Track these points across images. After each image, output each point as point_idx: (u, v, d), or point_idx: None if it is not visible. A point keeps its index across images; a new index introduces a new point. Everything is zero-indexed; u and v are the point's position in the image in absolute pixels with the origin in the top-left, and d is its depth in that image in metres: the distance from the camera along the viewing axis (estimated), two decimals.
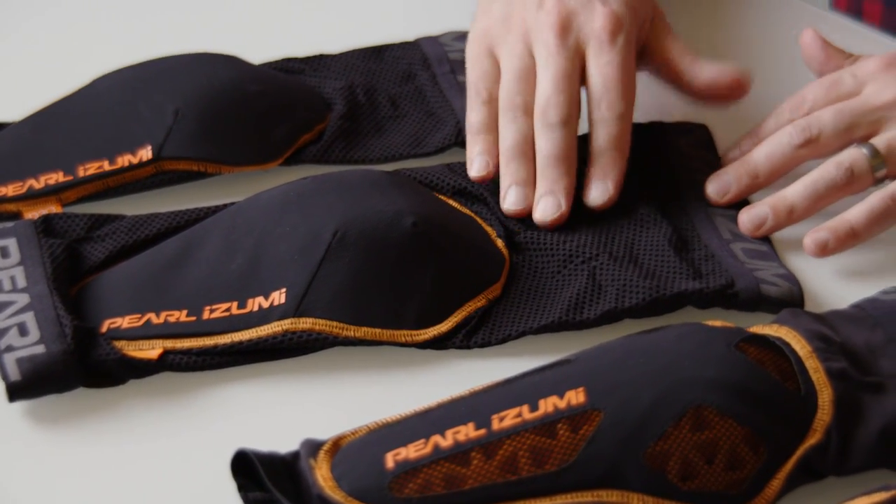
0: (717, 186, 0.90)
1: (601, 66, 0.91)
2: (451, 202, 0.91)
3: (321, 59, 1.04)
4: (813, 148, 0.89)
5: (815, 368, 0.73)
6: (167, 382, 0.80)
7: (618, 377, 0.72)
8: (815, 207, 0.88)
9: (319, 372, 0.81)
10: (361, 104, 0.99)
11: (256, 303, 0.82)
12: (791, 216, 0.88)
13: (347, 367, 0.82)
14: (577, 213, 0.89)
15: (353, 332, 0.81)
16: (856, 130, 0.89)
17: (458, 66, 1.02)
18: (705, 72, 0.94)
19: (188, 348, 0.80)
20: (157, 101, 0.93)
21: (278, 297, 0.81)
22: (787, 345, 0.75)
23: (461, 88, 1.00)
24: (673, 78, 0.96)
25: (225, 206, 0.89)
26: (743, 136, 0.94)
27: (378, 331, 0.81)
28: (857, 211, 0.86)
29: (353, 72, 1.03)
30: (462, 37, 1.05)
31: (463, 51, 1.02)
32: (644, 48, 0.97)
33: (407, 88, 1.02)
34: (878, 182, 0.88)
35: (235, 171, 0.93)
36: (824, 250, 0.86)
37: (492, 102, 0.92)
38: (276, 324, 0.81)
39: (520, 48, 0.93)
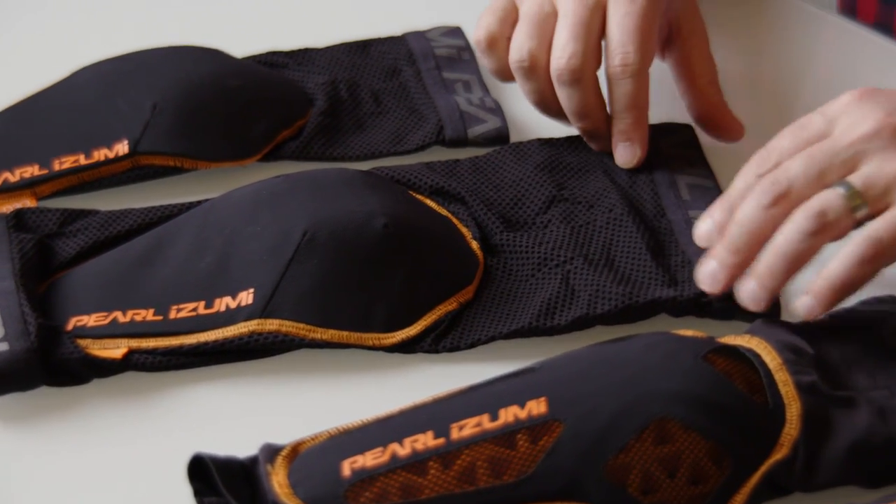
0: (708, 280, 0.81)
1: (619, 18, 0.88)
2: (429, 202, 0.89)
3: (306, 52, 1.03)
4: (786, 203, 0.78)
5: (784, 381, 0.72)
6: (132, 382, 0.79)
7: (581, 388, 0.70)
8: (792, 271, 0.78)
9: (286, 374, 0.80)
10: (343, 100, 0.98)
11: (224, 303, 0.81)
12: (767, 291, 0.78)
13: (314, 370, 0.81)
14: (556, 214, 0.88)
15: (320, 334, 0.80)
16: (830, 174, 0.78)
17: (444, 62, 1.01)
18: (712, 105, 0.93)
19: (153, 348, 0.80)
20: (135, 95, 0.92)
21: (246, 297, 0.80)
22: (758, 356, 0.73)
23: (446, 85, 0.98)
24: (683, 82, 0.95)
25: (200, 202, 0.88)
26: (713, 205, 0.84)
27: (346, 333, 0.80)
28: (837, 264, 0.76)
29: (337, 66, 1.01)
30: (450, 32, 1.04)
31: (450, 46, 1.01)
32: (671, 36, 0.95)
33: (391, 84, 1.00)
34: (860, 224, 0.77)
35: (212, 166, 0.92)
36: (816, 314, 0.77)
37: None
38: (242, 324, 0.80)
39: None
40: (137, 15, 1.12)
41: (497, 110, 0.96)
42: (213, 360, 0.80)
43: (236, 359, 0.80)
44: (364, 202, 0.83)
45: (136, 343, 0.80)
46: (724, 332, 0.78)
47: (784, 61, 1.08)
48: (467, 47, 1.03)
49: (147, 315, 0.81)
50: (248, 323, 0.80)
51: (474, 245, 0.86)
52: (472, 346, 0.81)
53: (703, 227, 0.84)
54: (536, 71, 0.90)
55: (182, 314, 0.81)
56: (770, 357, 0.73)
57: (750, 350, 0.74)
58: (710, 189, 0.90)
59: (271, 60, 1.02)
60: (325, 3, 1.13)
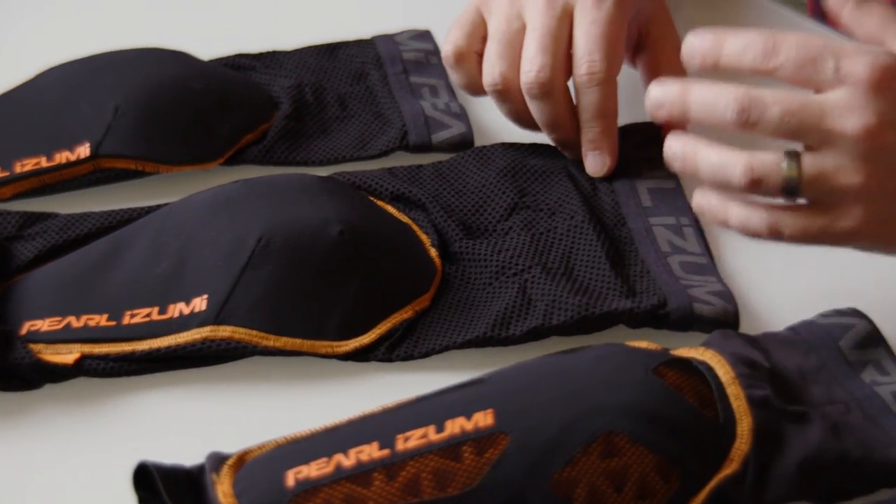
0: (655, 100, 0.78)
1: (586, 26, 0.88)
2: (389, 208, 0.89)
3: (273, 55, 1.02)
4: (746, 129, 0.74)
5: (736, 395, 0.71)
6: (84, 388, 0.79)
7: (528, 400, 0.70)
8: (713, 185, 0.76)
9: (238, 381, 0.80)
10: (309, 104, 0.97)
11: (178, 309, 0.80)
12: (690, 168, 0.77)
13: (267, 378, 0.80)
14: (517, 221, 0.87)
15: (272, 341, 0.79)
16: (796, 138, 0.73)
17: (412, 67, 1.00)
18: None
19: (105, 353, 0.79)
20: (98, 97, 0.91)
21: (200, 303, 0.80)
22: (711, 369, 0.73)
23: (412, 90, 0.98)
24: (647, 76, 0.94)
25: (160, 206, 0.88)
26: (707, 35, 0.76)
27: (298, 341, 0.79)
28: (737, 215, 0.76)
29: (304, 70, 1.01)
30: (419, 36, 1.04)
31: (418, 50, 1.00)
32: (640, 42, 0.94)
33: (358, 88, 0.99)
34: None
35: (174, 170, 0.92)
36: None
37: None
38: (195, 331, 0.79)
39: (508, 10, 0.90)
40: (109, 16, 1.12)
41: (462, 115, 0.95)
42: (165, 366, 0.79)
43: (189, 365, 0.80)
44: (320, 209, 0.82)
45: (88, 348, 0.79)
46: (683, 343, 0.77)
47: None
48: (436, 51, 1.02)
49: (101, 320, 0.80)
50: (202, 329, 0.79)
51: (433, 252, 0.85)
52: (426, 355, 0.80)
53: (689, 50, 0.77)
54: (510, 92, 0.90)
55: (136, 320, 0.80)
56: (723, 370, 0.72)
57: (703, 363, 0.73)
58: (672, 190, 0.89)
59: (238, 63, 1.01)
60: (298, 5, 1.13)
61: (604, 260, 0.84)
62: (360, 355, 0.80)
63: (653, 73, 0.93)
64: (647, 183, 0.90)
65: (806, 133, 0.73)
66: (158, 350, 0.79)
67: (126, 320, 0.80)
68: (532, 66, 0.88)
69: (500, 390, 0.71)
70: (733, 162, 0.74)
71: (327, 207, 0.82)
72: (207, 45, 1.02)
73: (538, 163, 0.92)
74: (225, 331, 0.79)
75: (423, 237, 0.87)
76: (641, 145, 0.93)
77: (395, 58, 1.01)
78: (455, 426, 0.69)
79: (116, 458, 0.72)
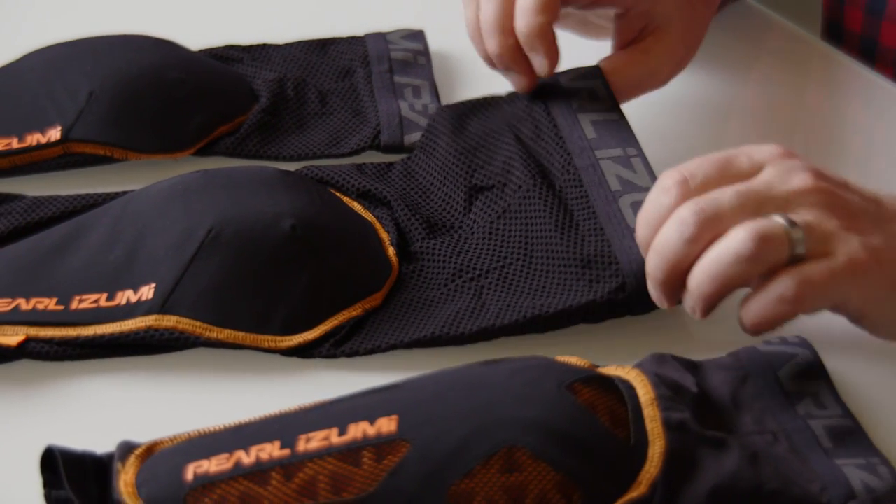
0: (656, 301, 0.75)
1: None
2: (355, 205, 0.88)
3: (263, 48, 1.02)
4: (712, 235, 0.70)
5: (652, 417, 0.69)
6: (29, 370, 0.78)
7: (434, 409, 0.68)
8: (723, 293, 0.71)
9: (180, 371, 0.79)
10: (288, 98, 0.97)
11: (125, 296, 0.80)
12: (701, 308, 0.72)
13: (210, 369, 0.79)
14: (477, 212, 0.86)
15: (216, 333, 0.78)
16: (762, 210, 0.71)
17: (398, 66, 0.99)
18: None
19: (50, 337, 0.79)
20: (74, 81, 0.91)
21: (147, 291, 0.79)
22: (632, 389, 0.71)
23: (394, 89, 0.97)
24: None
25: (126, 192, 0.87)
26: (636, 220, 0.76)
27: (241, 334, 0.79)
28: (757, 298, 0.70)
29: (290, 64, 1.00)
30: (412, 35, 1.03)
31: (408, 50, 1.00)
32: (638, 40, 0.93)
33: (342, 85, 0.99)
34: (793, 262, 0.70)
35: (143, 158, 0.91)
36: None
37: None
38: (139, 319, 0.78)
39: None
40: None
41: None
42: (109, 352, 0.79)
43: (133, 353, 0.79)
44: (276, 202, 0.82)
45: (34, 331, 0.79)
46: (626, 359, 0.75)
47: (768, 82, 1.05)
48: (425, 52, 1.01)
49: (49, 304, 0.80)
50: (146, 318, 0.78)
51: (390, 251, 0.84)
52: (371, 352, 0.79)
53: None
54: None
55: (83, 305, 0.80)
56: (644, 391, 0.70)
57: (625, 382, 0.71)
58: (616, 122, 0.87)
59: (227, 54, 1.01)
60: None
61: (556, 238, 0.81)
62: (304, 351, 0.79)
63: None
64: (589, 115, 0.87)
65: (768, 202, 0.72)
66: (102, 336, 0.79)
67: (74, 305, 0.80)
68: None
69: (407, 397, 0.69)
70: (734, 238, 0.70)
71: (283, 201, 0.82)
72: (215, 35, 1.02)
73: (478, 128, 0.90)
74: (169, 320, 0.78)
75: (384, 235, 0.86)
76: (580, 78, 0.90)
77: (382, 56, 1.00)
78: (358, 430, 0.67)
79: (52, 441, 0.72)
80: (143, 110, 0.91)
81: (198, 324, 0.78)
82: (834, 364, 0.76)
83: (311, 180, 0.88)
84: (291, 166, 0.90)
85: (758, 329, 0.70)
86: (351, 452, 0.67)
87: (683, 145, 0.97)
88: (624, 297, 0.78)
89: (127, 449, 0.70)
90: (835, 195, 0.73)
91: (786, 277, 0.69)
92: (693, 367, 0.75)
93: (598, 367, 0.74)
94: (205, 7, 1.13)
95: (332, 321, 0.80)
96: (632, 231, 0.79)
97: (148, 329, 0.78)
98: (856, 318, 0.73)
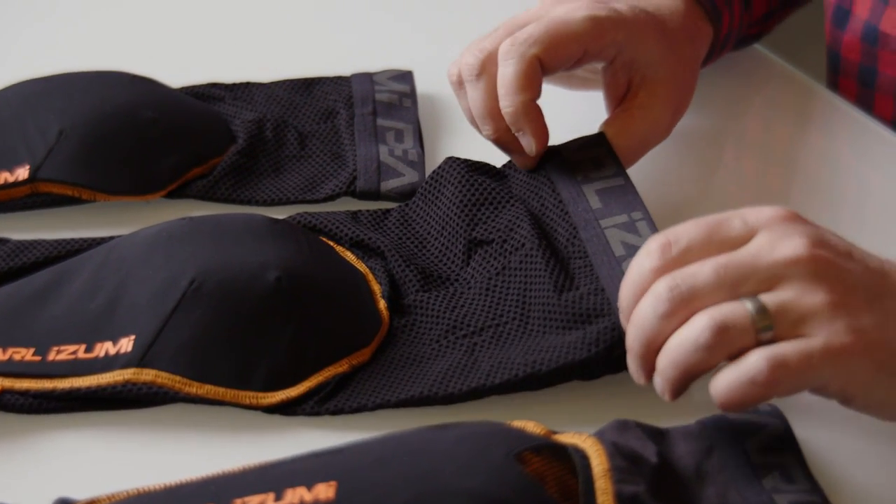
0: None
1: (540, 19, 0.86)
2: (348, 254, 0.85)
3: (246, 87, 1.00)
4: (686, 312, 0.68)
5: (604, 490, 0.66)
6: (2, 423, 0.76)
7: (375, 476, 0.65)
8: (687, 379, 0.68)
9: (158, 428, 0.76)
10: (266, 140, 0.94)
11: (104, 348, 0.77)
12: (670, 391, 0.69)
13: (188, 426, 0.76)
14: (475, 266, 0.83)
15: (195, 388, 0.75)
16: (742, 290, 0.68)
17: (382, 108, 0.97)
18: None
19: (26, 389, 0.76)
20: (45, 119, 0.90)
21: (126, 344, 0.77)
22: (586, 459, 0.68)
23: (376, 132, 0.94)
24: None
25: (112, 237, 0.85)
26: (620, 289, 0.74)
27: (222, 390, 0.76)
28: (725, 379, 0.66)
29: (273, 104, 0.98)
30: (400, 76, 1.00)
31: (393, 91, 0.97)
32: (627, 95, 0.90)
33: (323, 127, 0.96)
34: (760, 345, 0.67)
35: (112, 199, 0.89)
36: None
37: None
38: (117, 372, 0.76)
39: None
40: (101, 36, 1.11)
41: (418, 164, 0.92)
42: (86, 406, 0.76)
43: (110, 407, 0.76)
44: (261, 252, 0.79)
45: (10, 383, 0.76)
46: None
47: (771, 127, 1.03)
48: (411, 94, 0.99)
49: (26, 354, 0.78)
50: (124, 371, 0.76)
51: (381, 304, 0.81)
52: (356, 410, 0.76)
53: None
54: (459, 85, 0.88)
55: (61, 357, 0.77)
56: (598, 461, 0.67)
57: (579, 451, 0.68)
58: (622, 187, 0.84)
59: (208, 93, 0.99)
60: (304, 36, 1.11)
61: (554, 299, 0.78)
62: (287, 408, 0.76)
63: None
64: (594, 185, 0.84)
65: (748, 278, 0.68)
66: (79, 389, 0.76)
67: (51, 356, 0.77)
68: (469, 51, 0.86)
69: (348, 462, 0.67)
70: (694, 325, 0.67)
71: (269, 251, 0.79)
72: (200, 71, 1.00)
73: (486, 185, 0.87)
74: (148, 374, 0.76)
75: (376, 287, 0.83)
76: (584, 147, 0.87)
77: (367, 98, 0.98)
78: (295, 496, 0.65)
79: (24, 497, 0.71)
80: (114, 150, 0.89)
81: (177, 378, 0.76)
82: (807, 434, 0.72)
83: (301, 228, 0.85)
84: (275, 212, 0.87)
85: (729, 408, 0.67)
86: None
87: (681, 192, 0.95)
88: (621, 352, 0.75)
89: None
90: (830, 265, 0.68)
91: (756, 357, 0.66)
92: (658, 434, 0.71)
93: (555, 433, 0.71)
94: (191, 43, 1.11)
95: (316, 377, 0.77)
96: None
97: (126, 383, 0.76)
98: (842, 401, 0.69)
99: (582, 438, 0.70)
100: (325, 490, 0.65)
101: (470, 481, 0.64)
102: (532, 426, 0.70)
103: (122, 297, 0.78)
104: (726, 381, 0.66)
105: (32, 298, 0.80)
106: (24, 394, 0.76)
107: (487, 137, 0.87)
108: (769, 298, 0.67)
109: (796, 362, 0.65)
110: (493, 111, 0.86)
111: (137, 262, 0.79)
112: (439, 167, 0.89)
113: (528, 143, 0.85)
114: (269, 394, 0.76)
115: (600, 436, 0.70)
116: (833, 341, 0.66)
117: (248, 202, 0.90)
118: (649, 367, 0.70)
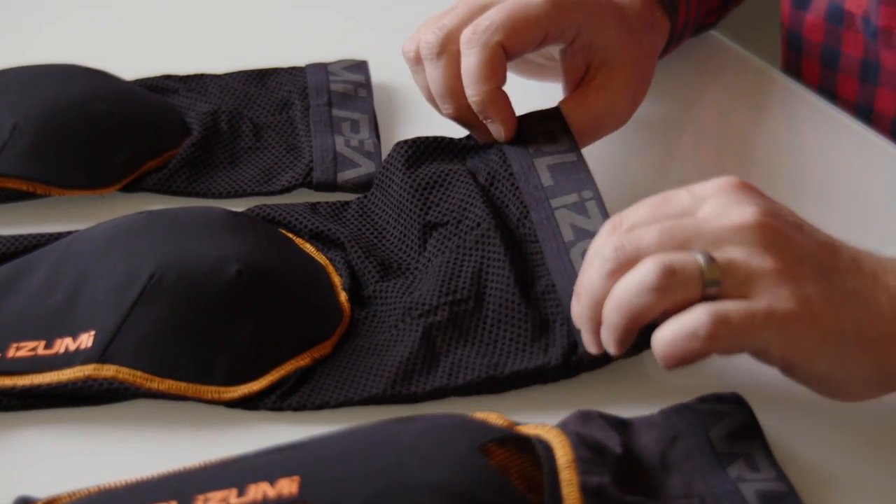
0: (587, 346, 0.73)
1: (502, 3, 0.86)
2: (308, 247, 0.84)
3: (200, 78, 0.99)
4: (628, 264, 0.68)
5: (569, 481, 0.65)
6: None
7: (337, 470, 0.65)
8: (631, 325, 0.68)
9: (120, 423, 0.75)
10: (221, 132, 0.93)
11: (64, 344, 0.76)
12: (612, 341, 0.69)
13: (150, 421, 0.75)
14: (431, 250, 0.82)
15: (157, 384, 0.74)
16: (686, 248, 0.68)
17: (338, 99, 0.96)
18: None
19: None
20: (0, 113, 0.88)
21: (86, 339, 0.75)
22: (550, 450, 0.67)
23: (332, 123, 0.93)
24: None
25: (69, 232, 0.84)
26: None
27: (183, 385, 0.75)
28: (665, 331, 0.66)
29: (227, 95, 0.97)
30: (355, 67, 0.99)
31: (348, 82, 0.96)
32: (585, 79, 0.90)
33: (278, 118, 0.95)
34: (705, 301, 0.67)
35: (67, 194, 0.88)
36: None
37: None
38: (78, 368, 0.75)
39: None
40: (53, 29, 1.10)
41: (374, 154, 0.91)
42: (46, 403, 0.75)
43: (71, 404, 0.75)
44: (220, 246, 0.78)
45: None
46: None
47: (728, 113, 1.03)
48: (367, 84, 0.98)
49: None
50: (84, 367, 0.75)
51: (342, 297, 0.81)
52: (320, 407, 0.75)
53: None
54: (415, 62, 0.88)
55: (20, 353, 0.76)
56: (562, 453, 0.67)
57: (543, 442, 0.68)
58: (573, 164, 0.83)
59: (162, 85, 0.98)
60: (259, 26, 1.10)
61: (512, 286, 0.78)
62: (249, 403, 0.75)
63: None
64: (545, 159, 0.84)
65: (693, 241, 0.68)
66: (39, 386, 0.75)
67: (11, 353, 0.76)
68: (427, 29, 0.86)
69: (311, 456, 0.66)
70: (641, 268, 0.67)
71: (228, 245, 0.78)
72: (153, 63, 0.99)
73: (433, 167, 0.87)
74: (108, 370, 0.74)
75: (336, 279, 0.82)
76: (540, 121, 0.87)
77: (321, 89, 0.97)
78: (258, 491, 0.64)
79: None
80: (68, 144, 0.88)
81: (138, 373, 0.75)
82: (772, 423, 0.72)
83: (260, 221, 0.85)
84: (233, 204, 0.87)
85: (669, 363, 0.66)
86: None
87: (639, 179, 0.95)
88: (576, 358, 0.75)
89: None
90: (779, 233, 0.68)
91: (700, 311, 0.66)
92: (621, 425, 0.71)
93: (517, 424, 0.70)
94: (144, 35, 1.10)
95: (278, 371, 0.76)
96: None
97: (86, 379, 0.75)
98: (783, 369, 0.69)
99: (545, 430, 0.69)
100: (289, 485, 0.64)
101: (434, 474, 0.64)
102: (494, 418, 0.70)
103: (81, 293, 0.77)
104: (668, 333, 0.66)
105: None
106: None
107: (448, 116, 0.87)
108: (718, 254, 0.67)
109: (738, 320, 0.65)
110: (455, 90, 0.85)
111: (96, 256, 0.78)
112: (389, 155, 0.88)
113: (497, 131, 0.85)
114: (231, 388, 0.75)
115: (563, 427, 0.70)
116: (777, 306, 0.66)
117: (205, 195, 0.90)
118: (596, 330, 0.70)
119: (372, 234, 0.86)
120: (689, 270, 0.66)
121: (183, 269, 0.76)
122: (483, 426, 0.68)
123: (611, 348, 0.69)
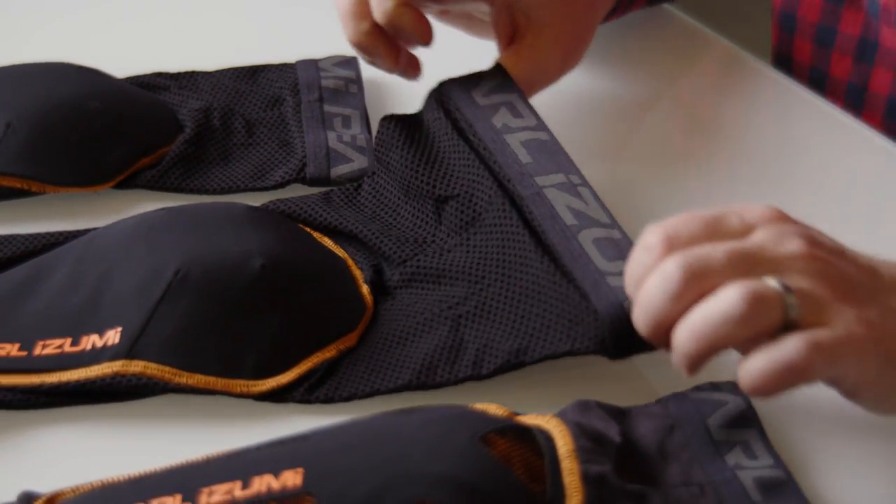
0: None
1: None
2: (326, 240, 0.85)
3: (191, 76, 0.99)
4: (698, 291, 0.66)
5: (570, 470, 0.66)
6: None
7: (341, 462, 0.65)
8: (710, 354, 0.65)
9: (149, 419, 0.75)
10: (214, 129, 0.94)
11: (90, 341, 0.76)
12: (688, 367, 0.66)
13: (179, 417, 0.76)
14: (451, 234, 0.82)
15: (185, 378, 0.75)
16: (752, 273, 0.66)
17: (329, 95, 0.96)
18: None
19: (14, 385, 0.75)
20: None
21: (113, 336, 0.76)
22: (550, 440, 0.68)
23: (324, 119, 0.94)
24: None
25: (86, 231, 0.84)
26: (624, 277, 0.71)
27: (212, 379, 0.75)
28: (759, 362, 0.64)
29: (219, 92, 0.97)
30: (345, 62, 1.00)
31: (339, 78, 0.97)
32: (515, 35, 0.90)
33: (270, 115, 0.96)
34: (784, 329, 0.65)
35: (61, 191, 0.88)
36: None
37: None
38: (106, 365, 0.75)
39: None
40: (44, 28, 1.11)
41: (366, 149, 0.92)
42: (74, 400, 0.75)
43: (99, 400, 0.76)
44: (244, 240, 0.78)
45: None
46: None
47: (719, 107, 1.04)
48: (357, 79, 0.98)
49: (12, 350, 0.76)
50: (112, 364, 0.75)
51: (364, 290, 0.81)
52: (348, 399, 0.76)
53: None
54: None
55: (47, 351, 0.76)
56: (563, 442, 0.67)
57: (544, 432, 0.68)
58: (548, 142, 0.82)
59: (153, 82, 0.98)
60: (250, 24, 1.11)
61: (537, 265, 0.76)
62: (278, 395, 0.76)
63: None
64: (518, 135, 0.83)
65: (759, 265, 0.66)
66: (67, 383, 0.75)
67: (37, 351, 0.76)
68: None
69: (315, 449, 0.66)
70: (725, 297, 0.65)
71: (251, 239, 0.79)
72: (144, 61, 0.99)
73: (424, 140, 0.87)
74: (136, 366, 0.75)
75: (357, 273, 0.82)
76: (497, 91, 0.87)
77: (312, 85, 0.97)
78: (262, 484, 0.64)
79: (12, 493, 0.69)
80: (62, 142, 0.88)
81: (166, 369, 0.75)
82: (769, 411, 0.73)
83: (279, 215, 0.85)
84: (246, 199, 0.87)
85: (761, 393, 0.64)
86: None
87: (629, 171, 0.95)
88: (604, 349, 0.73)
89: (28, 499, 0.68)
90: (829, 264, 0.68)
91: (795, 340, 0.64)
92: (620, 414, 0.72)
93: (517, 415, 0.71)
94: (136, 33, 1.11)
95: (305, 363, 0.77)
96: (604, 276, 0.74)
97: (115, 375, 0.75)
98: (850, 394, 0.68)
99: (545, 419, 0.70)
100: (293, 477, 0.64)
101: (437, 465, 0.64)
102: (494, 408, 0.71)
103: (105, 290, 0.77)
104: (760, 364, 0.64)
105: (12, 294, 0.79)
106: (12, 389, 0.75)
107: (348, 40, 0.87)
108: (790, 280, 0.66)
109: (829, 347, 0.64)
110: (362, 12, 0.86)
111: (118, 254, 0.79)
112: (379, 132, 0.88)
113: (414, 41, 0.86)
114: (260, 381, 0.76)
115: (562, 416, 0.71)
116: (854, 330, 0.65)
117: (198, 191, 0.90)
118: (660, 347, 0.69)
119: (387, 212, 0.86)
120: (772, 299, 0.64)
121: (208, 264, 0.76)
122: (484, 417, 0.68)
123: (684, 373, 0.67)
